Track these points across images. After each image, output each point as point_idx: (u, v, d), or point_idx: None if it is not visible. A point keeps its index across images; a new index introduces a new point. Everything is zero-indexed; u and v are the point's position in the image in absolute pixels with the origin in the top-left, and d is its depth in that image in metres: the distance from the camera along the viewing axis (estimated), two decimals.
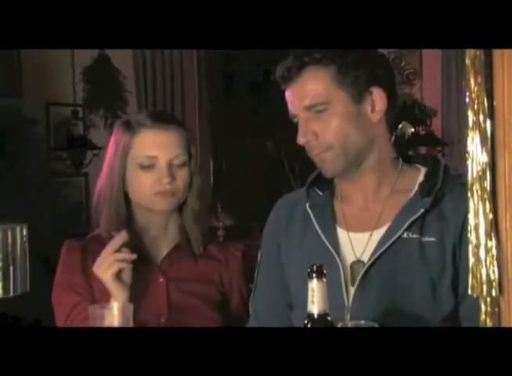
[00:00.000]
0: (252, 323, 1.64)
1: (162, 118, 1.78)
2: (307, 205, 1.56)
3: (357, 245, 1.49)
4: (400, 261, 1.44)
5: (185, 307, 1.73)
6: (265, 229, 1.68)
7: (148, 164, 1.71)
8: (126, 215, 1.75)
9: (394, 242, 1.44)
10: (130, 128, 1.74)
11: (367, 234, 1.49)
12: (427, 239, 1.43)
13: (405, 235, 1.44)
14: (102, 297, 1.66)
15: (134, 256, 1.63)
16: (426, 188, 1.47)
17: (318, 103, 1.46)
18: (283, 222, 1.62)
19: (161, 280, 1.74)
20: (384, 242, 1.45)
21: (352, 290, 1.45)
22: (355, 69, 1.45)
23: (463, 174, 1.49)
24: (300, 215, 1.58)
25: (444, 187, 1.46)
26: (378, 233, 1.47)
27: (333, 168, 1.50)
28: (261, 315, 1.62)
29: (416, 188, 1.49)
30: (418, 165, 1.55)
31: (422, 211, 1.43)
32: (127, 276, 1.63)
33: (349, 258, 1.49)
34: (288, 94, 1.50)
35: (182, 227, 1.80)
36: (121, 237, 1.63)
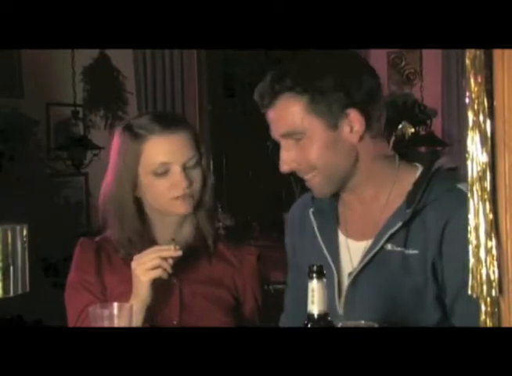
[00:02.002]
0: (283, 316, 1.69)
1: (168, 122, 1.74)
2: (310, 211, 1.56)
3: (354, 254, 1.49)
4: (384, 273, 1.43)
5: (198, 310, 1.72)
6: (285, 232, 1.70)
7: (162, 170, 1.68)
8: (140, 223, 1.73)
9: (376, 254, 1.43)
10: (136, 135, 1.70)
11: (364, 243, 1.48)
12: (410, 252, 1.42)
13: (389, 247, 1.43)
14: (116, 296, 1.65)
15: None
16: (411, 197, 1.44)
17: (293, 132, 1.44)
18: (297, 226, 1.63)
19: (174, 281, 1.72)
20: (368, 253, 1.45)
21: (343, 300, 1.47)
22: (328, 96, 1.41)
23: (455, 174, 1.48)
24: (309, 219, 1.58)
25: (427, 196, 1.43)
26: (370, 244, 1.47)
27: (321, 191, 1.51)
28: (290, 310, 1.67)
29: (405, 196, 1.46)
30: (417, 164, 1.52)
31: (400, 224, 1.42)
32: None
33: (347, 267, 1.49)
34: (268, 118, 1.48)
35: (197, 227, 1.79)
36: (176, 251, 1.60)
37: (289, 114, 1.43)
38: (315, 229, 1.54)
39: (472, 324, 1.33)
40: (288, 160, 1.46)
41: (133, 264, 1.61)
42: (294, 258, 1.64)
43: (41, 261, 3.75)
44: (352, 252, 1.50)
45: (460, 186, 1.42)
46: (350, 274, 1.47)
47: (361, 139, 1.44)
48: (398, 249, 1.42)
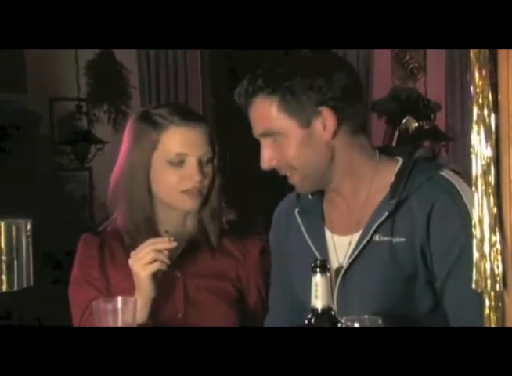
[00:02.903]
0: (268, 318, 1.70)
1: (188, 114, 1.76)
2: (296, 211, 1.58)
3: (340, 249, 1.51)
4: (374, 264, 1.45)
5: (202, 303, 1.73)
6: (270, 232, 1.71)
7: (178, 161, 1.69)
8: (150, 210, 1.74)
9: (365, 246, 1.45)
10: (155, 123, 1.71)
11: (348, 237, 1.50)
12: (397, 240, 1.43)
13: (377, 238, 1.44)
14: (119, 291, 1.66)
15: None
16: (395, 188, 1.45)
17: (269, 131, 1.46)
18: (283, 225, 1.64)
19: (178, 275, 1.73)
20: (357, 247, 1.46)
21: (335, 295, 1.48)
22: (298, 95, 1.43)
23: (435, 162, 1.50)
24: (295, 219, 1.59)
25: (410, 186, 1.45)
26: (356, 237, 1.48)
27: (302, 188, 1.53)
28: (276, 310, 1.68)
29: (388, 188, 1.47)
30: (397, 157, 1.53)
31: (386, 214, 1.43)
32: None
33: (334, 263, 1.51)
34: (249, 118, 1.51)
35: (200, 222, 1.79)
36: (170, 243, 1.61)
37: (264, 114, 1.46)
38: (302, 227, 1.55)
39: (462, 307, 1.36)
40: (268, 158, 1.49)
41: (130, 261, 1.62)
42: (279, 256, 1.66)
43: (43, 255, 3.76)
44: (338, 247, 1.51)
45: (442, 172, 1.45)
46: (339, 269, 1.48)
47: (335, 135, 1.45)
48: (386, 239, 1.44)
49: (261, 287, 1.82)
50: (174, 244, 1.61)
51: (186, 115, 1.75)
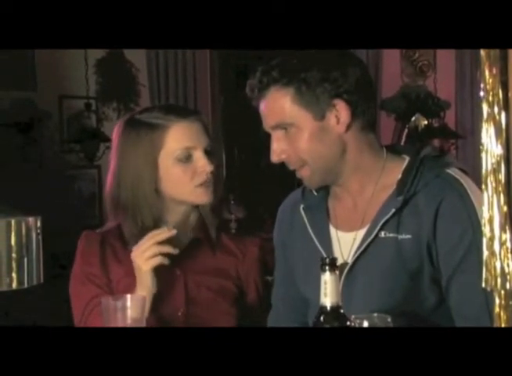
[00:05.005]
0: (271, 315, 1.70)
1: (182, 111, 1.78)
2: (301, 207, 1.58)
3: (344, 245, 1.51)
4: (379, 261, 1.45)
5: (203, 301, 1.73)
6: (274, 229, 1.71)
7: (185, 156, 1.70)
8: (160, 210, 1.73)
9: (371, 243, 1.45)
10: (153, 125, 1.71)
11: (353, 234, 1.50)
12: (403, 236, 1.43)
13: (382, 234, 1.45)
14: (121, 288, 1.66)
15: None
16: (401, 186, 1.46)
17: (282, 123, 1.46)
18: (287, 223, 1.64)
19: (179, 273, 1.74)
20: (362, 243, 1.46)
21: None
22: (314, 87, 1.43)
23: (442, 160, 1.49)
24: (299, 215, 1.60)
25: (417, 183, 1.45)
26: (361, 233, 1.48)
27: (311, 183, 1.53)
28: (279, 308, 1.68)
29: (395, 186, 1.48)
30: (404, 155, 1.53)
31: (393, 210, 1.43)
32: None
33: (339, 259, 1.50)
34: (260, 110, 1.51)
35: (200, 220, 1.80)
36: (169, 232, 1.61)
37: (277, 106, 1.45)
38: (307, 224, 1.55)
39: (467, 304, 1.36)
40: (278, 150, 1.49)
41: (132, 255, 1.62)
42: (284, 255, 1.66)
43: (51, 253, 3.77)
44: (342, 244, 1.51)
45: (449, 170, 1.45)
46: (343, 265, 1.48)
47: (348, 129, 1.46)
48: (392, 235, 1.44)
49: (258, 284, 1.83)
50: (174, 232, 1.62)
51: (180, 111, 1.76)
